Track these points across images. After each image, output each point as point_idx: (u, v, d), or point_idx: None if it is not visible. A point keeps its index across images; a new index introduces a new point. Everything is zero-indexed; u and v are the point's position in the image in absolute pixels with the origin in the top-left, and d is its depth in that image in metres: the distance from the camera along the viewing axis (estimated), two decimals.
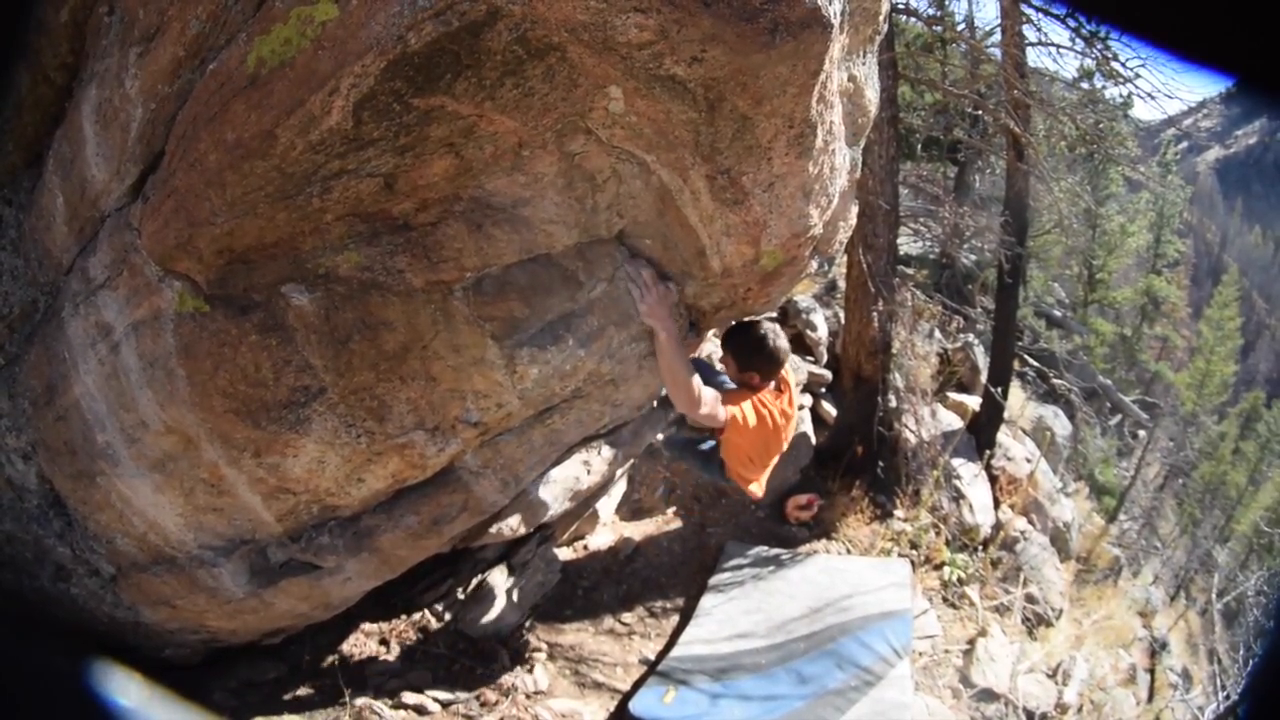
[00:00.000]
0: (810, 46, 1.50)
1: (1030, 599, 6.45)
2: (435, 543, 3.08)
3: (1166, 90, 7.18)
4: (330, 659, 3.63)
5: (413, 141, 1.53)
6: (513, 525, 4.39)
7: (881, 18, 2.19)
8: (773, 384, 2.98)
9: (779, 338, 2.83)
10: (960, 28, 7.68)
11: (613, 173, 1.91)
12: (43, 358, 2.41)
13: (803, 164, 1.80)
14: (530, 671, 4.14)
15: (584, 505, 5.65)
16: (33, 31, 1.95)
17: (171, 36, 1.65)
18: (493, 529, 4.24)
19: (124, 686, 0.57)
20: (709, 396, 2.60)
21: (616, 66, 1.40)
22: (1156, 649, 8.32)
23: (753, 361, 2.84)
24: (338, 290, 1.88)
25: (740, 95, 1.48)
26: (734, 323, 2.90)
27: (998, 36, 7.27)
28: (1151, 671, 7.57)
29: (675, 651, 4.56)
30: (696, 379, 2.51)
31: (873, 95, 2.33)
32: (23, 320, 2.54)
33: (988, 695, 4.94)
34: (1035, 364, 10.64)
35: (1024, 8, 6.65)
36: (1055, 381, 10.14)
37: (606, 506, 6.11)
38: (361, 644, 3.86)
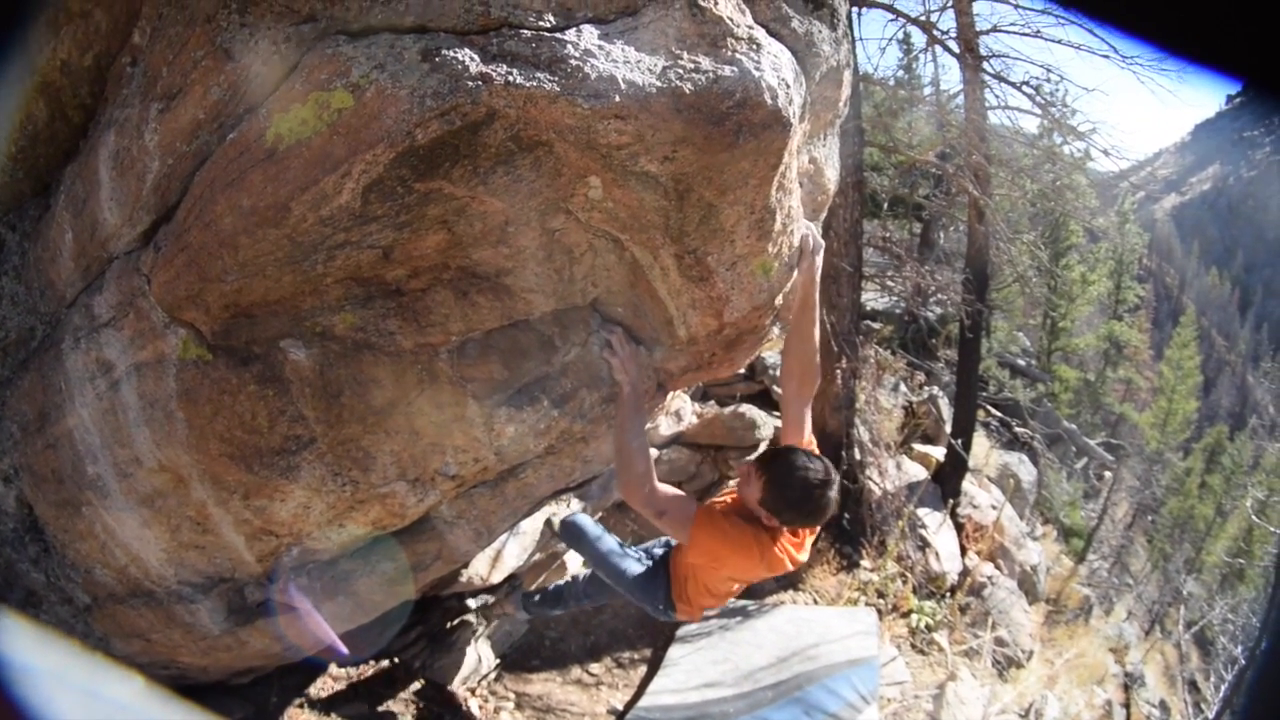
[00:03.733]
0: (771, 144, 1.72)
1: (999, 642, 6.67)
2: (408, 589, 3.21)
3: (1119, 149, 7.78)
4: (297, 701, 3.69)
5: (411, 219, 1.73)
6: (482, 574, 4.52)
7: (842, 103, 2.47)
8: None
9: (830, 488, 2.33)
10: (927, 90, 8.22)
11: (589, 247, 2.13)
12: (37, 385, 2.53)
13: (763, 245, 2.05)
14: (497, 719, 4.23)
15: (552, 557, 5.78)
16: (58, 70, 2.15)
17: (193, 99, 1.81)
18: (463, 577, 4.37)
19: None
20: (664, 493, 2.42)
21: (597, 161, 1.62)
22: (1131, 683, 8.56)
23: (788, 512, 2.38)
24: (333, 348, 2.06)
25: (707, 187, 1.72)
26: (781, 448, 2.53)
27: (961, 99, 7.81)
28: (1127, 706, 7.78)
29: (643, 701, 4.66)
30: (648, 453, 2.41)
31: (832, 174, 2.60)
32: (18, 346, 2.67)
33: None
34: (998, 414, 11.10)
35: (984, 76, 7.19)
36: (1018, 430, 10.59)
37: (574, 558, 6.24)
38: (329, 688, 3.92)
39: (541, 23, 1.44)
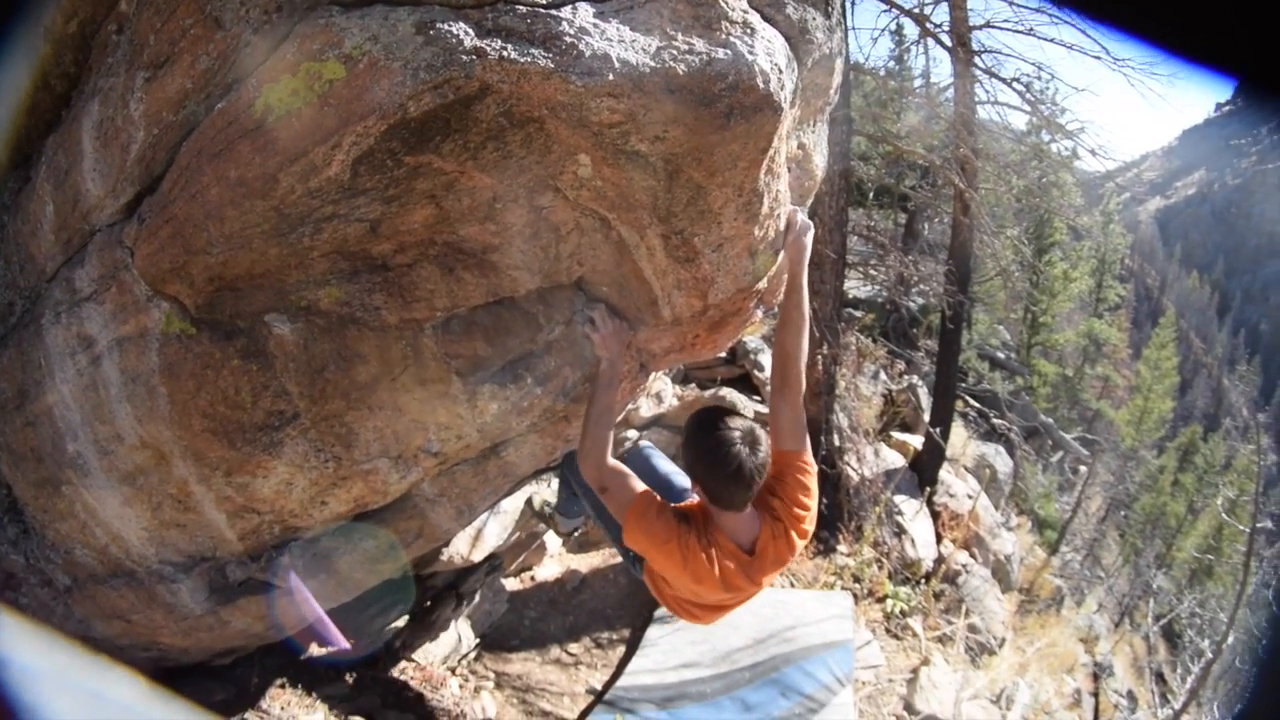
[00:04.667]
0: (761, 127, 1.73)
1: (972, 629, 6.81)
2: (390, 567, 3.23)
3: (1106, 149, 7.89)
4: (278, 681, 3.71)
5: (400, 193, 1.73)
6: (463, 553, 4.55)
7: (833, 90, 2.49)
8: (752, 518, 2.20)
9: (753, 452, 2.04)
10: (917, 83, 8.27)
11: (576, 225, 2.13)
12: (16, 362, 2.49)
13: (749, 228, 2.06)
14: (478, 699, 4.26)
15: (532, 537, 5.82)
16: (39, 37, 2.08)
17: (181, 68, 1.79)
18: (443, 556, 4.39)
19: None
20: (613, 470, 2.28)
21: (588, 139, 1.64)
22: (1100, 673, 8.79)
23: (708, 479, 2.12)
24: (317, 322, 2.06)
25: (696, 168, 1.73)
26: (701, 410, 2.29)
27: (951, 93, 7.87)
28: (1096, 695, 7.98)
29: (622, 681, 4.74)
30: (610, 428, 2.32)
31: (820, 161, 2.62)
32: None
33: None
34: (977, 405, 11.27)
35: (975, 70, 7.25)
36: (996, 421, 10.76)
37: (554, 538, 6.29)
38: (309, 668, 3.94)
39: None
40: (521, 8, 1.44)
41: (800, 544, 2.27)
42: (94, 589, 2.90)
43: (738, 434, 2.05)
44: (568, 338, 2.46)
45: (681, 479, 2.86)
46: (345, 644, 3.07)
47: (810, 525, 2.27)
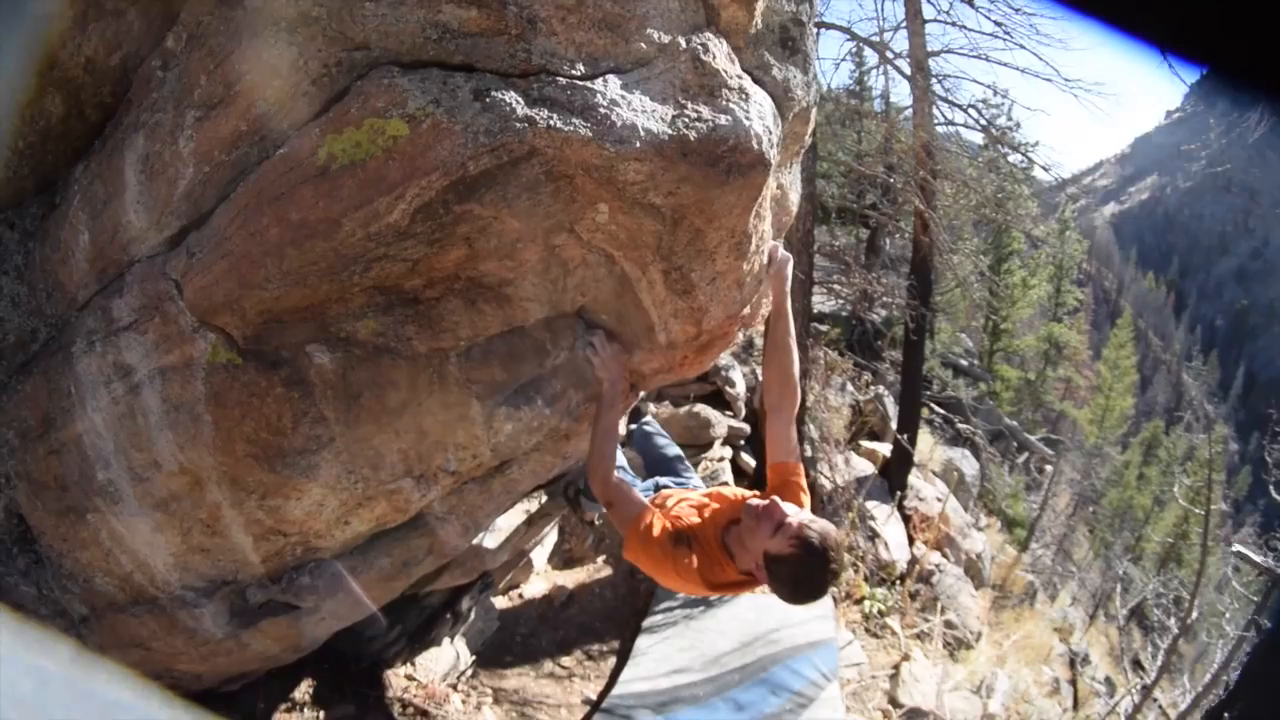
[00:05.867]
0: (754, 181, 2.02)
1: (949, 625, 7.18)
2: (403, 584, 3.42)
3: (1057, 165, 8.46)
4: (284, 706, 3.85)
5: (443, 236, 1.95)
6: (460, 570, 4.74)
7: (808, 136, 2.80)
8: None
9: (830, 564, 2.12)
10: (878, 104, 8.75)
11: (583, 261, 2.36)
12: (42, 390, 2.56)
13: (739, 263, 2.36)
14: (480, 714, 4.44)
15: (519, 555, 6.01)
16: (79, 67, 2.18)
17: (236, 111, 1.94)
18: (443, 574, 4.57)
19: None
20: (619, 488, 2.55)
21: (610, 192, 1.90)
22: (1076, 661, 9.22)
23: (790, 594, 2.21)
24: (355, 352, 2.26)
25: (697, 215, 2.02)
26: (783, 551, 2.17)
27: (910, 113, 8.38)
28: (1074, 682, 8.38)
29: (617, 690, 4.96)
30: (615, 445, 2.59)
31: (795, 197, 2.94)
32: (16, 349, 2.69)
33: (916, 714, 5.56)
34: (942, 411, 11.80)
35: (933, 95, 7.74)
36: (961, 426, 11.29)
37: (539, 556, 6.50)
38: (315, 691, 4.09)
39: (574, 71, 1.72)
40: (561, 79, 1.71)
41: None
42: (113, 618, 2.98)
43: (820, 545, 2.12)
44: (571, 362, 2.70)
45: (675, 450, 3.68)
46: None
47: None
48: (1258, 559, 5.65)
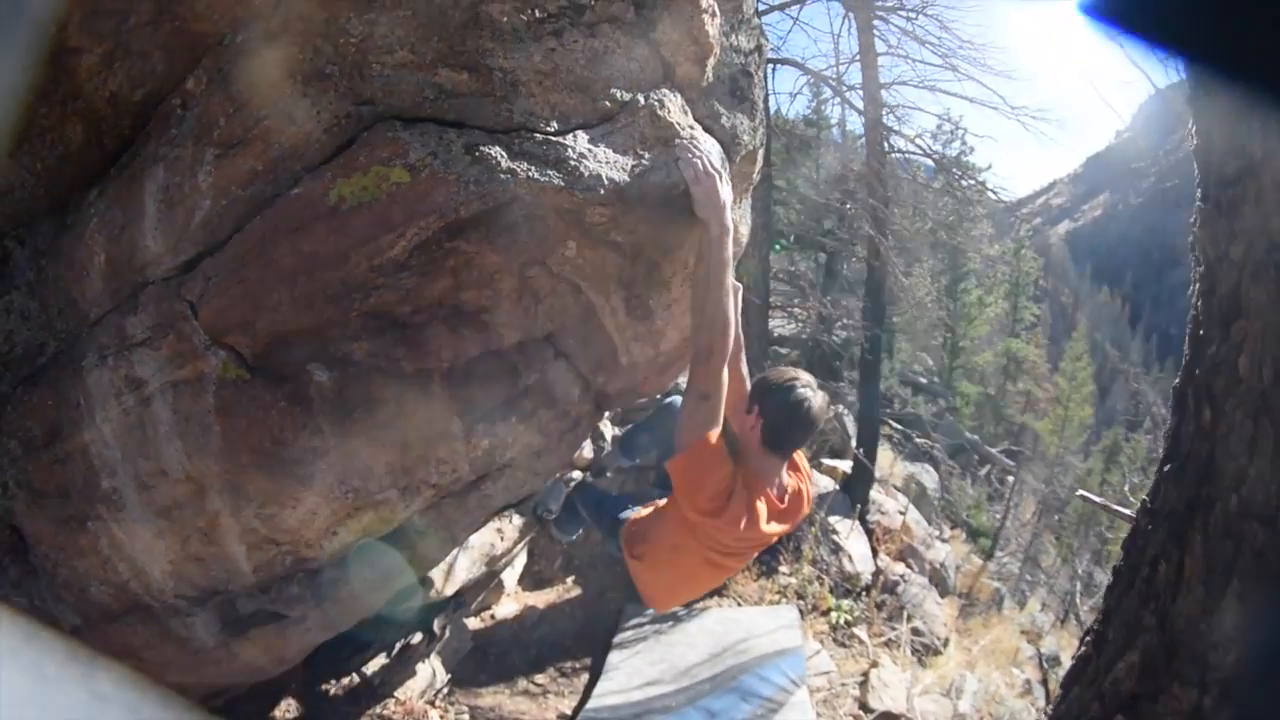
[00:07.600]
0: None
1: (916, 632, 7.52)
2: (384, 596, 3.66)
3: (1006, 190, 9.08)
4: None
5: (433, 268, 2.26)
6: (437, 587, 4.96)
7: (755, 174, 3.18)
8: (782, 468, 2.58)
9: (815, 397, 2.39)
10: (834, 131, 9.31)
11: (553, 290, 2.68)
12: (49, 401, 2.71)
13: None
14: None
15: (491, 576, 6.24)
16: (105, 101, 2.40)
17: (253, 152, 2.20)
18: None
19: None
20: (724, 384, 2.35)
21: (578, 231, 2.24)
22: (1047, 664, 9.59)
23: (777, 418, 2.43)
24: (350, 371, 2.51)
25: (654, 250, 2.38)
26: (764, 376, 2.59)
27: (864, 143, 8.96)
28: (1045, 683, 8.75)
29: (591, 704, 5.19)
30: (735, 322, 2.37)
31: (745, 230, 3.30)
32: (22, 361, 2.83)
33: (888, 717, 5.83)
34: (900, 428, 12.36)
35: (884, 125, 8.31)
36: (919, 441, 11.84)
37: (510, 578, 6.74)
38: (293, 709, 4.27)
39: (549, 128, 2.06)
40: (539, 135, 2.06)
41: (807, 509, 2.71)
42: (105, 627, 3.07)
43: (809, 381, 2.45)
44: (541, 384, 2.97)
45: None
46: None
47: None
48: (1097, 500, 6.02)
